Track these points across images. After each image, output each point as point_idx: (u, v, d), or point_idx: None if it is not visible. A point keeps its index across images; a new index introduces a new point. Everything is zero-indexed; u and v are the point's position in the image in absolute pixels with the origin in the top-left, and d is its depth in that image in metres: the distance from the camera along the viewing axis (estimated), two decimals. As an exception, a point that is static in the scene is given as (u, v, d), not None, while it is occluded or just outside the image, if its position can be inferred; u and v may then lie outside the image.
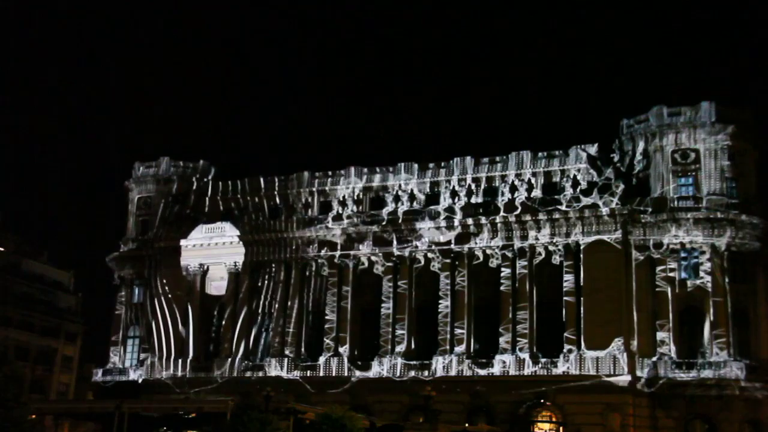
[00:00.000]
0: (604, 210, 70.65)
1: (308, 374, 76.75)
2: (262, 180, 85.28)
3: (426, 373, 72.65)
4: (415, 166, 79.92)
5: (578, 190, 72.80)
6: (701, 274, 69.72)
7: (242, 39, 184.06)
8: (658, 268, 70.43)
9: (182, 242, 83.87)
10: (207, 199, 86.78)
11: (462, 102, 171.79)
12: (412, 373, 73.30)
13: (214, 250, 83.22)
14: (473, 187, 76.99)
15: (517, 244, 73.30)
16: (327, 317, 78.42)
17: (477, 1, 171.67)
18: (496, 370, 71.00)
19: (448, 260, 75.26)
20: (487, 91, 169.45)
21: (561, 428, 68.97)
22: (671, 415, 67.90)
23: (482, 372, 71.54)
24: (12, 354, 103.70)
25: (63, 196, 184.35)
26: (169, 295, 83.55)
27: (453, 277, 74.99)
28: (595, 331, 68.79)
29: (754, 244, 70.83)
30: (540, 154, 76.34)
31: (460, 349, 72.95)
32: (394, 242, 77.02)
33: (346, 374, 75.40)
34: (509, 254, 73.58)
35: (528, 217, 72.86)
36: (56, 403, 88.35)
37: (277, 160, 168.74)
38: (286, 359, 77.82)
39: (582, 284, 70.66)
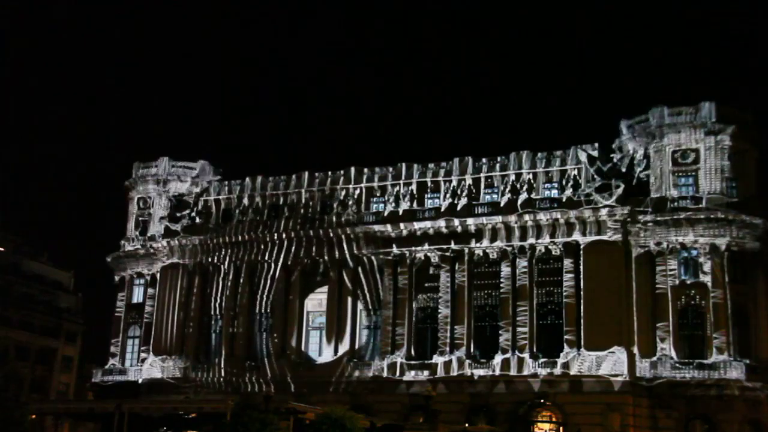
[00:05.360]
0: (604, 210, 70.58)
1: (308, 375, 76.69)
2: (261, 180, 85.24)
3: (426, 372, 72.65)
4: (415, 166, 79.92)
5: (578, 190, 72.77)
6: (701, 274, 69.66)
7: (242, 39, 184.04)
8: (658, 268, 70.37)
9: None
10: (206, 199, 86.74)
11: (462, 102, 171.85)
12: (412, 373, 73.31)
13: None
14: (473, 187, 76.95)
15: (517, 244, 73.26)
16: (327, 318, 78.46)
17: (477, 1, 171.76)
18: (496, 370, 71.02)
19: (447, 260, 75.23)
20: (487, 91, 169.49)
21: (561, 428, 68.96)
22: (671, 415, 67.83)
23: (482, 372, 71.55)
24: (12, 354, 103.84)
25: (63, 196, 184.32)
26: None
27: (453, 277, 74.96)
28: (595, 331, 68.70)
29: (754, 244, 70.73)
30: (540, 154, 76.32)
31: (460, 349, 72.92)
32: (394, 242, 76.98)
33: (346, 374, 75.45)
34: (509, 254, 73.55)
35: (528, 217, 72.83)
36: (56, 403, 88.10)
37: (277, 160, 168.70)
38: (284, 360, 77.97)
39: (582, 284, 70.54)
